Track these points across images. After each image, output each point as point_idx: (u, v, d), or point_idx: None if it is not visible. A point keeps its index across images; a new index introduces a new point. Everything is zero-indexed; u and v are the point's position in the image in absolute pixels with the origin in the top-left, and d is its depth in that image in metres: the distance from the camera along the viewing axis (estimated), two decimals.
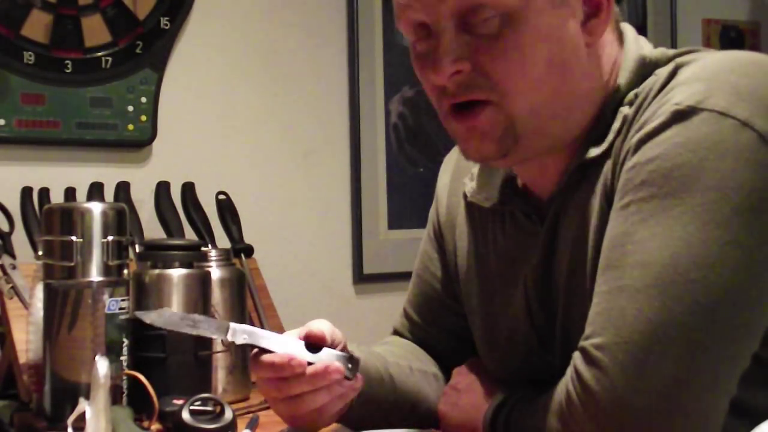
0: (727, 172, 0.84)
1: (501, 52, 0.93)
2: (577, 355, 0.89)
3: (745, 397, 0.88)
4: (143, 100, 2.00)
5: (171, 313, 1.11)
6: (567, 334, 1.00)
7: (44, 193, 1.82)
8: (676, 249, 0.84)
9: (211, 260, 1.68)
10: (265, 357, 1.05)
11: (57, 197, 1.83)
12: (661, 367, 0.83)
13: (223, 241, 1.89)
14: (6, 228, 1.75)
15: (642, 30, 2.67)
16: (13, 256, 1.70)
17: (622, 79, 0.99)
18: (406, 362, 1.24)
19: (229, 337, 1.08)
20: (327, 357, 1.06)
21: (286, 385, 1.05)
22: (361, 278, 2.27)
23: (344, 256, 2.26)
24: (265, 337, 1.07)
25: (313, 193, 2.23)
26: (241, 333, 1.07)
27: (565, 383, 0.90)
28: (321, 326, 1.08)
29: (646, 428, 0.83)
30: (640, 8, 2.69)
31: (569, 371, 0.89)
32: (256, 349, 1.07)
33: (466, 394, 1.13)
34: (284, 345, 1.06)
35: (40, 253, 1.43)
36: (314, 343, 1.06)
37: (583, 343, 0.88)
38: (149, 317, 1.11)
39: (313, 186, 2.23)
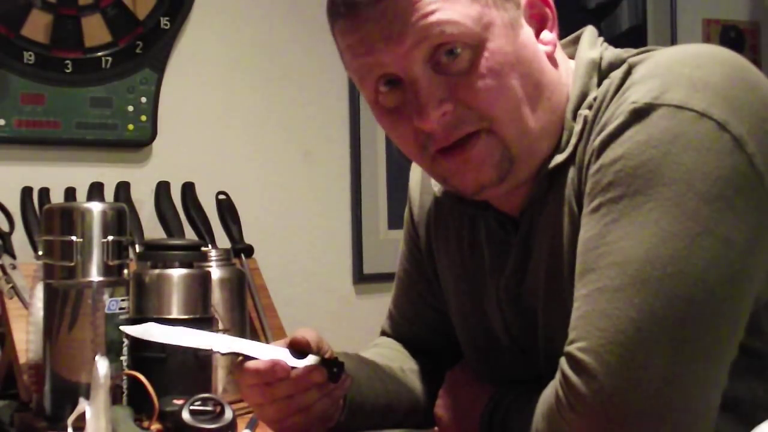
0: (690, 164, 0.84)
1: (479, 83, 0.93)
2: (563, 361, 0.88)
3: (731, 388, 0.87)
4: (143, 100, 2.00)
5: (155, 326, 1.12)
6: (551, 340, 0.99)
7: (44, 193, 1.82)
8: (649, 245, 0.84)
9: (211, 260, 1.68)
10: (250, 363, 1.06)
11: (57, 197, 1.83)
12: (648, 365, 0.82)
13: (223, 241, 1.89)
14: (6, 228, 1.75)
15: (642, 30, 2.67)
16: (13, 256, 1.70)
17: (575, 84, 1.00)
18: (397, 364, 1.24)
19: (214, 347, 1.09)
20: (310, 361, 1.07)
21: (270, 390, 1.06)
22: (361, 278, 2.27)
23: (344, 256, 2.26)
24: (249, 346, 1.08)
25: (313, 193, 2.23)
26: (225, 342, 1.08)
27: (554, 387, 0.89)
28: (305, 333, 1.08)
29: (640, 428, 0.83)
30: (640, 8, 2.69)
31: (557, 376, 0.89)
32: (240, 357, 1.07)
33: (460, 397, 1.13)
34: (268, 352, 1.06)
35: (40, 253, 1.43)
36: (299, 350, 1.07)
37: (568, 348, 0.87)
38: (133, 332, 1.12)
39: (313, 186, 2.23)
